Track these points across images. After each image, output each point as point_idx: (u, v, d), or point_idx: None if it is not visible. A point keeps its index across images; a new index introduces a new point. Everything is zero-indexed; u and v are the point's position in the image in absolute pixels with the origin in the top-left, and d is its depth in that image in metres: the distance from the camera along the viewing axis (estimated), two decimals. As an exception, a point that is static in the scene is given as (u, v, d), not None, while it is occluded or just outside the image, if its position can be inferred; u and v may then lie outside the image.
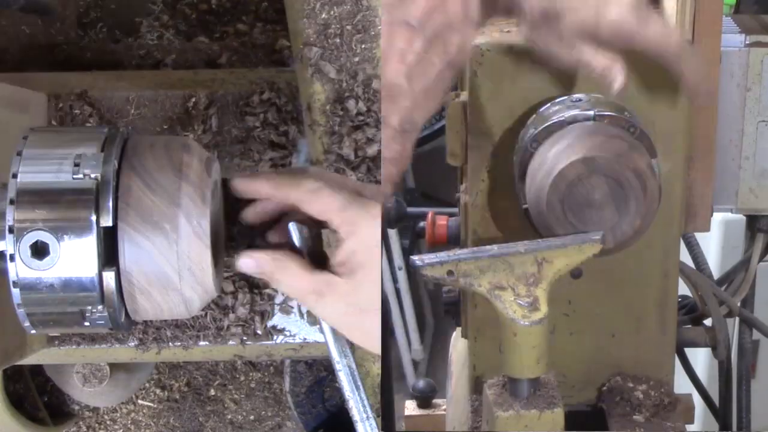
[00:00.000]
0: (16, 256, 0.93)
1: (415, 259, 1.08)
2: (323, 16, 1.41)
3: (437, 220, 1.43)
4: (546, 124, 1.17)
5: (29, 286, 0.94)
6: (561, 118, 1.16)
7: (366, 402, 1.08)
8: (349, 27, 1.41)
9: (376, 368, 1.44)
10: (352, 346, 1.08)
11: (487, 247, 1.09)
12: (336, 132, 1.41)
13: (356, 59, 1.41)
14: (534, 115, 1.20)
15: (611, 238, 1.11)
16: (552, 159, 1.12)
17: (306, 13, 1.41)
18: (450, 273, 1.08)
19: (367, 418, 1.06)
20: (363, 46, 1.41)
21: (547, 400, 1.10)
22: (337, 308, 1.03)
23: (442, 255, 1.08)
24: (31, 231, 0.93)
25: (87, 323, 0.98)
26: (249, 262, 1.04)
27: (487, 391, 1.12)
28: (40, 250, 0.94)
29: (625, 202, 1.10)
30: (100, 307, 0.96)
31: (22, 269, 0.94)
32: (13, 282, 0.94)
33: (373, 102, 1.42)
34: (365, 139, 1.40)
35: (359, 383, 1.08)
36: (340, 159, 1.40)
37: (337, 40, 1.40)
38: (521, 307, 1.07)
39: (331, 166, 1.40)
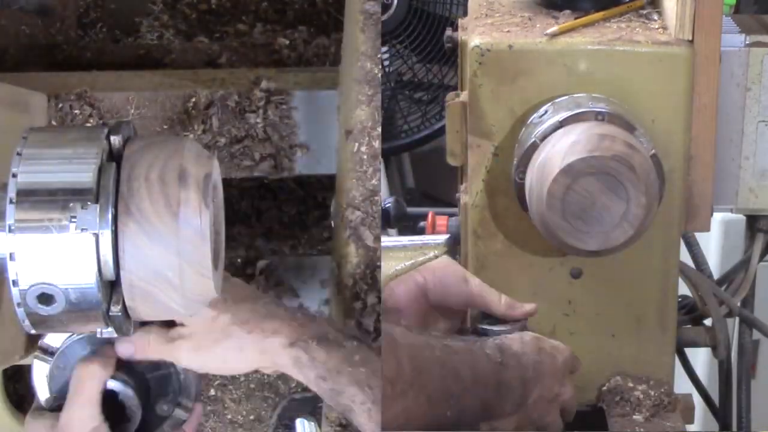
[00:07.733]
0: (16, 256, 0.93)
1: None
2: (373, 182, 1.37)
3: (437, 220, 1.44)
4: (546, 124, 1.17)
5: (29, 286, 0.94)
6: (561, 118, 1.16)
7: None
8: None
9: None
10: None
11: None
12: (361, 299, 1.37)
13: None
14: (534, 115, 1.20)
15: (612, 237, 1.11)
16: (552, 159, 1.12)
17: (357, 175, 1.37)
18: None
19: None
20: None
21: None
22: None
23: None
24: (30, 231, 0.93)
25: (87, 323, 0.98)
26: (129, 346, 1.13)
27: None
28: (40, 250, 0.93)
29: (625, 201, 1.10)
30: (100, 308, 0.96)
31: (21, 269, 0.94)
32: (13, 281, 0.94)
33: None
34: None
35: None
36: (359, 326, 1.35)
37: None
38: None
39: (351, 336, 1.26)
